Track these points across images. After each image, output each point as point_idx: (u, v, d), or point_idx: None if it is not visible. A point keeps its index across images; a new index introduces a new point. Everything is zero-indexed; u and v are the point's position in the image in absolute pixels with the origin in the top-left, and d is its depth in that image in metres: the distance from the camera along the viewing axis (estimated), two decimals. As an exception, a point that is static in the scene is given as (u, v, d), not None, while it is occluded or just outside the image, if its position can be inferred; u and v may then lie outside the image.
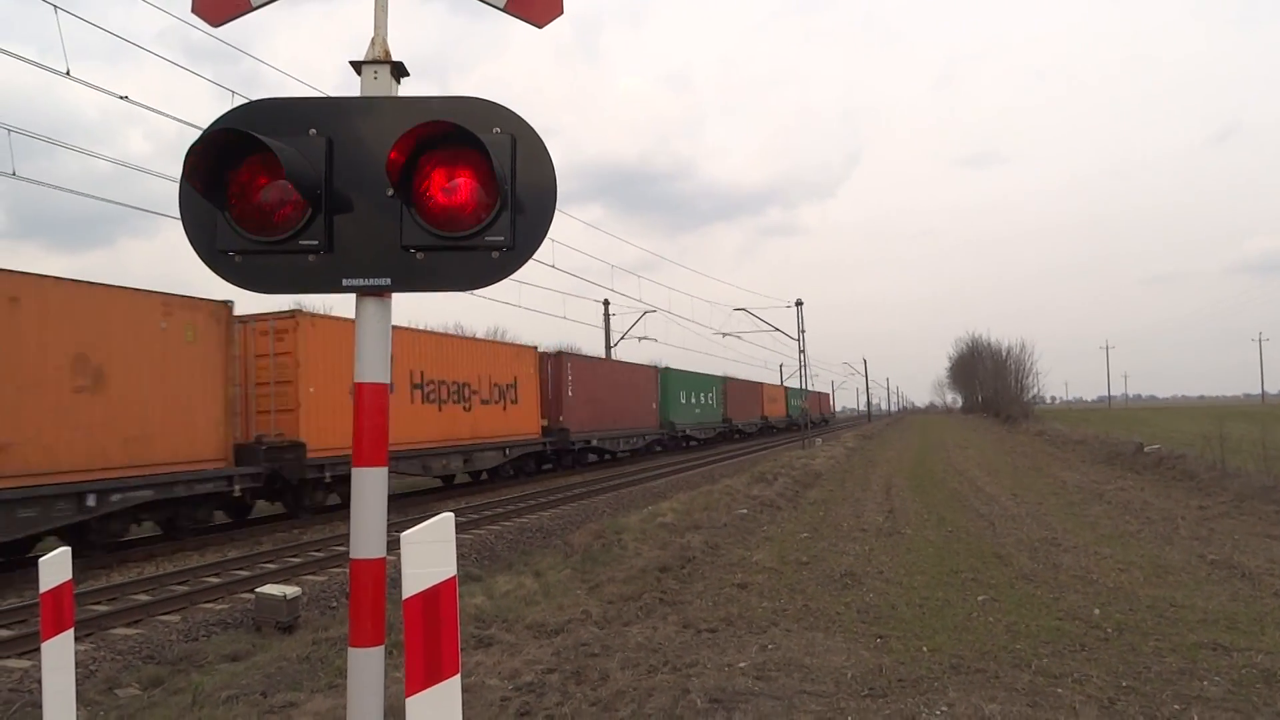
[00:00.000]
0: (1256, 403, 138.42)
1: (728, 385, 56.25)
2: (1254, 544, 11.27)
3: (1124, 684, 5.72)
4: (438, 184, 3.30)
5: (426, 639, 2.43)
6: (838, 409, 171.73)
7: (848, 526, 13.90)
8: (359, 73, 3.48)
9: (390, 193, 3.24)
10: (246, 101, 3.52)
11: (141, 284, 15.94)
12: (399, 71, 3.51)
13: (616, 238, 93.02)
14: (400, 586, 2.65)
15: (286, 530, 17.85)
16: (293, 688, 6.35)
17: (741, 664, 6.19)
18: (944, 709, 5.11)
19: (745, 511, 15.79)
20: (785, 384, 75.51)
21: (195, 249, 3.40)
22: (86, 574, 13.01)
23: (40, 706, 7.48)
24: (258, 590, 10.17)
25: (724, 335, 56.13)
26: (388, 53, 3.51)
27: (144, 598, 11.35)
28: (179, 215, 3.40)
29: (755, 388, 66.22)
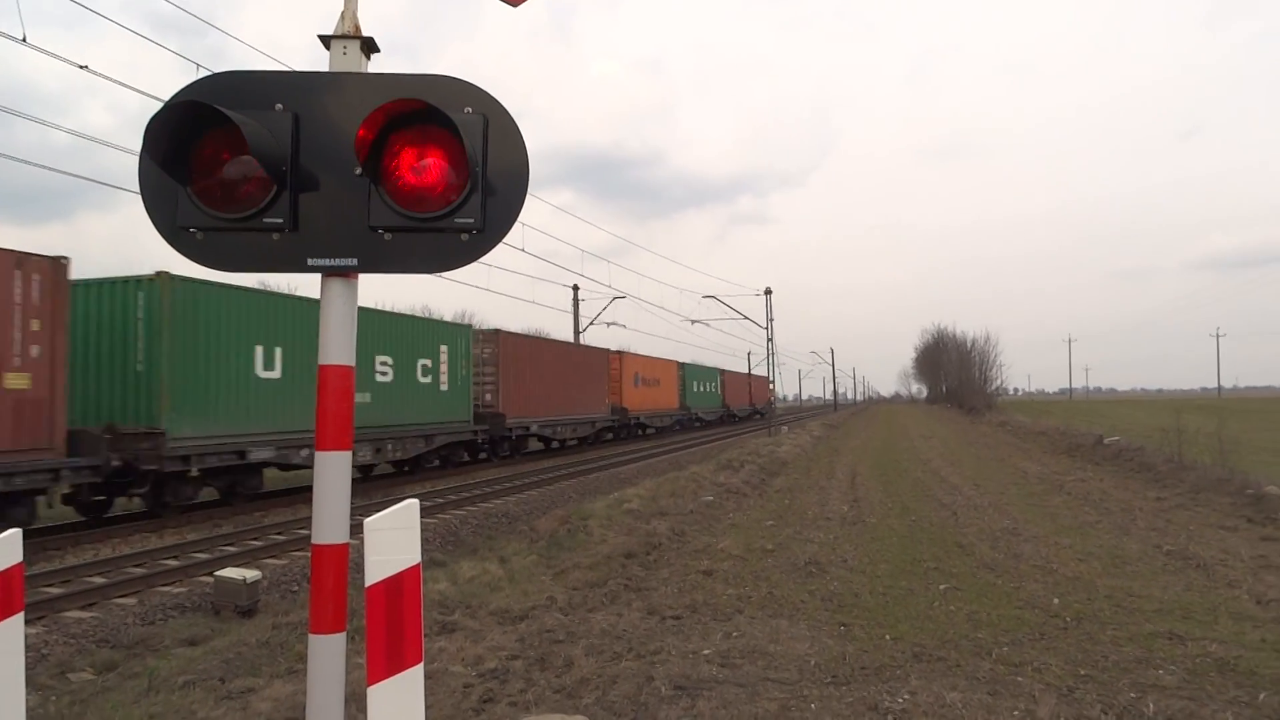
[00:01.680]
0: (1213, 396, 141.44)
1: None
2: (1208, 535, 11.49)
3: (1082, 672, 5.81)
4: (407, 163, 3.23)
5: (389, 627, 2.39)
6: (804, 397, 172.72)
7: (813, 515, 13.99)
8: (328, 47, 3.40)
9: (358, 171, 3.17)
10: (210, 74, 3.42)
11: (102, 260, 15.18)
12: (369, 47, 3.43)
13: (587, 222, 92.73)
14: (363, 572, 2.60)
15: (248, 513, 17.62)
16: (251, 673, 6.26)
17: (706, 651, 6.20)
18: (906, 696, 5.16)
19: (711, 498, 15.84)
20: (684, 363, 54.61)
21: (155, 225, 3.30)
22: (40, 555, 12.75)
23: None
24: (217, 574, 10.04)
25: (693, 322, 56.27)
26: (358, 28, 3.42)
27: (100, 580, 11.15)
28: (138, 190, 3.30)
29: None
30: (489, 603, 7.86)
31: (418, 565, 2.43)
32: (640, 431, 46.55)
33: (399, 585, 2.39)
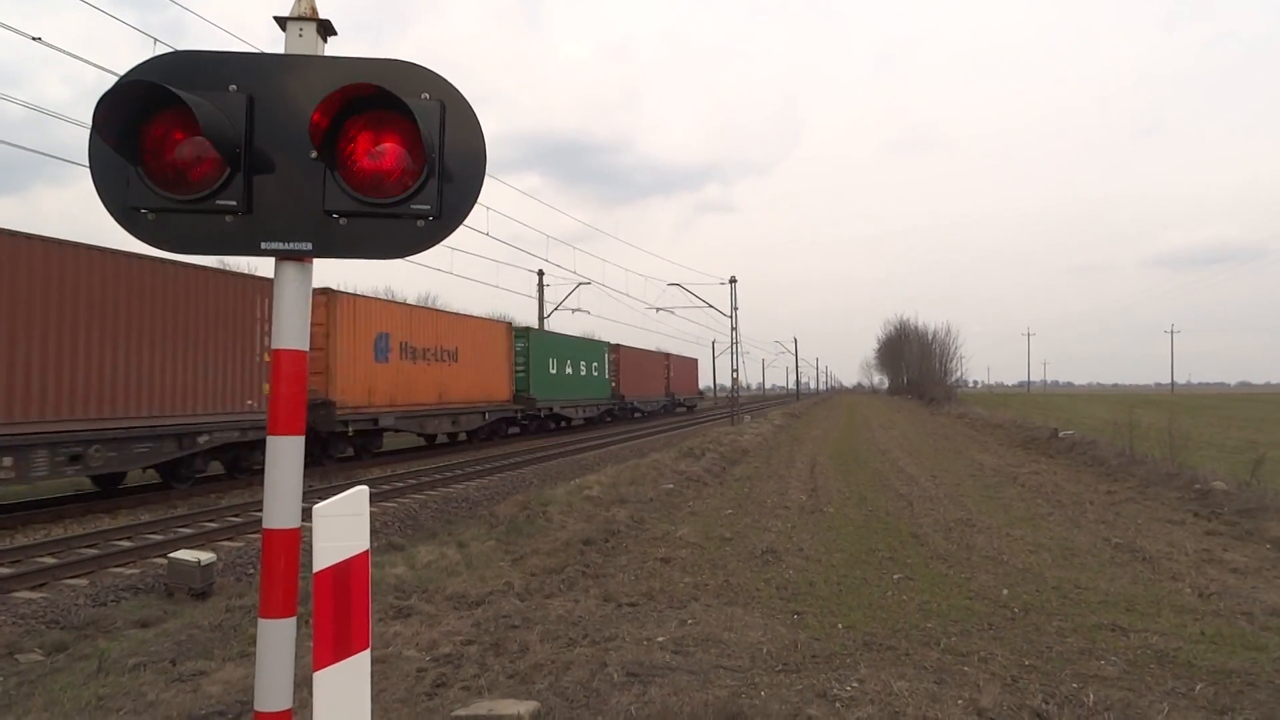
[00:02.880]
0: (1167, 392, 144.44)
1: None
2: (1156, 529, 11.77)
3: (1026, 663, 5.95)
4: (363, 148, 3.21)
5: (336, 613, 2.40)
6: (768, 386, 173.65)
7: (771, 504, 14.12)
8: (284, 29, 3.36)
9: (314, 155, 3.14)
10: (163, 53, 3.37)
11: (58, 234, 14.12)
12: (326, 30, 3.39)
13: (553, 208, 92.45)
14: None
15: (204, 495, 17.41)
16: (203, 656, 6.22)
17: (660, 638, 6.26)
18: (854, 684, 5.25)
19: (671, 486, 15.92)
20: (527, 328, 38.40)
21: (105, 205, 3.26)
22: (-11, 535, 12.53)
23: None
24: (171, 555, 9.93)
25: (658, 310, 56.27)
26: (314, 9, 3.39)
27: (50, 560, 10.98)
28: (90, 169, 3.26)
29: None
30: (446, 588, 7.86)
31: (366, 552, 2.44)
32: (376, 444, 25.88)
33: (347, 571, 2.40)
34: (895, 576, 8.79)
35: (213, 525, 13.76)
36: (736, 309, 49.00)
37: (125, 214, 3.22)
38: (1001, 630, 6.82)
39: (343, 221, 3.21)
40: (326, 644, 2.38)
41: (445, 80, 3.29)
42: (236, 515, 14.76)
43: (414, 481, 19.34)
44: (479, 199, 3.40)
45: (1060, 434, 27.01)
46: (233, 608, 7.61)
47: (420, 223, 3.24)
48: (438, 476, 20.45)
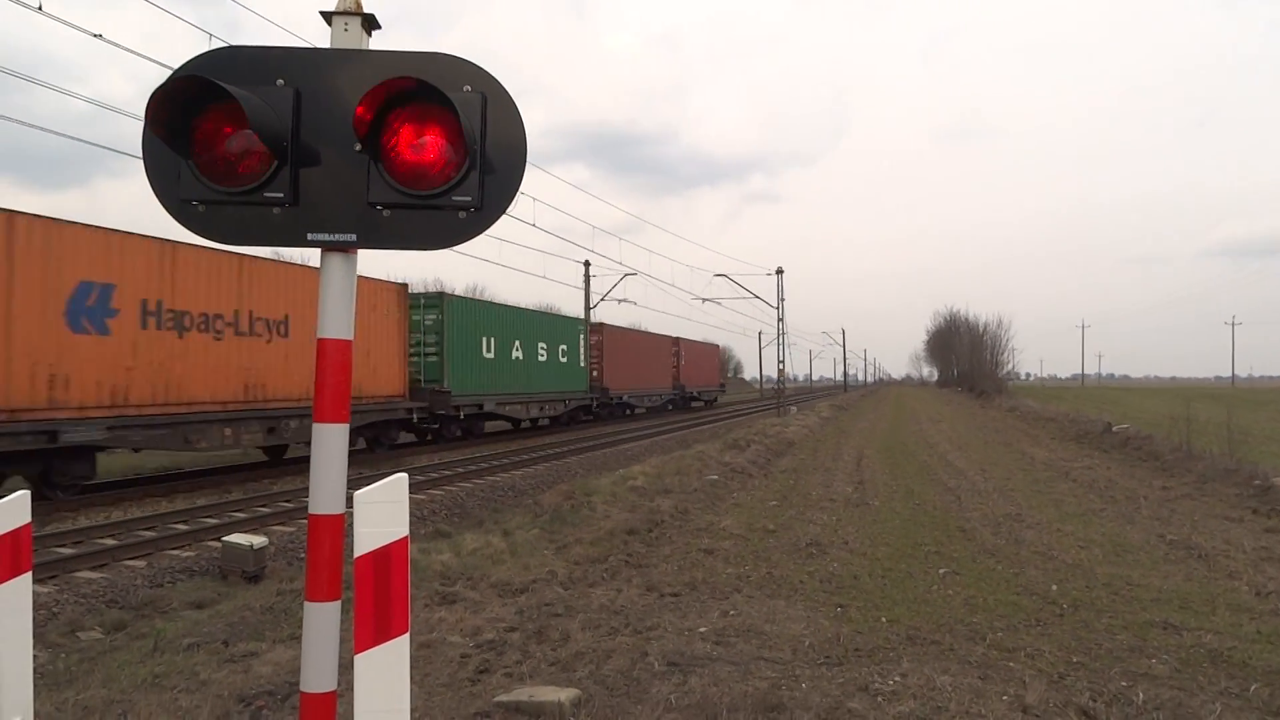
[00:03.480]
0: (1226, 385, 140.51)
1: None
2: (1212, 525, 11.48)
3: (1074, 659, 5.85)
4: (406, 141, 3.25)
5: (377, 597, 2.45)
6: (815, 378, 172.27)
7: (816, 496, 14.04)
8: (329, 23, 3.41)
9: (358, 148, 3.19)
10: (213, 48, 3.45)
11: (117, 225, 14.52)
12: (370, 24, 3.44)
13: (599, 199, 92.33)
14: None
15: (257, 480, 17.82)
16: (255, 637, 6.38)
17: (702, 629, 6.27)
18: (897, 679, 5.21)
19: (716, 477, 15.91)
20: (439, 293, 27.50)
21: (158, 197, 3.34)
22: (52, 517, 12.95)
23: (1, 648, 7.48)
24: (224, 539, 10.18)
25: (704, 301, 56.05)
26: (359, 3, 3.44)
27: (110, 542, 11.33)
28: (143, 163, 3.34)
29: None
30: (490, 575, 7.95)
31: (405, 538, 2.49)
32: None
33: (387, 556, 2.44)
34: (941, 571, 8.70)
35: (265, 510, 14.08)
36: (783, 300, 48.72)
37: (177, 206, 3.31)
38: (1049, 626, 6.71)
39: (386, 213, 3.26)
40: (367, 627, 2.43)
41: (487, 72, 3.32)
42: (288, 501, 15.07)
43: (461, 470, 19.57)
44: (520, 190, 3.43)
45: (1114, 428, 26.43)
46: (283, 591, 7.79)
47: (462, 214, 3.28)
48: (484, 465, 20.68)
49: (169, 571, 10.16)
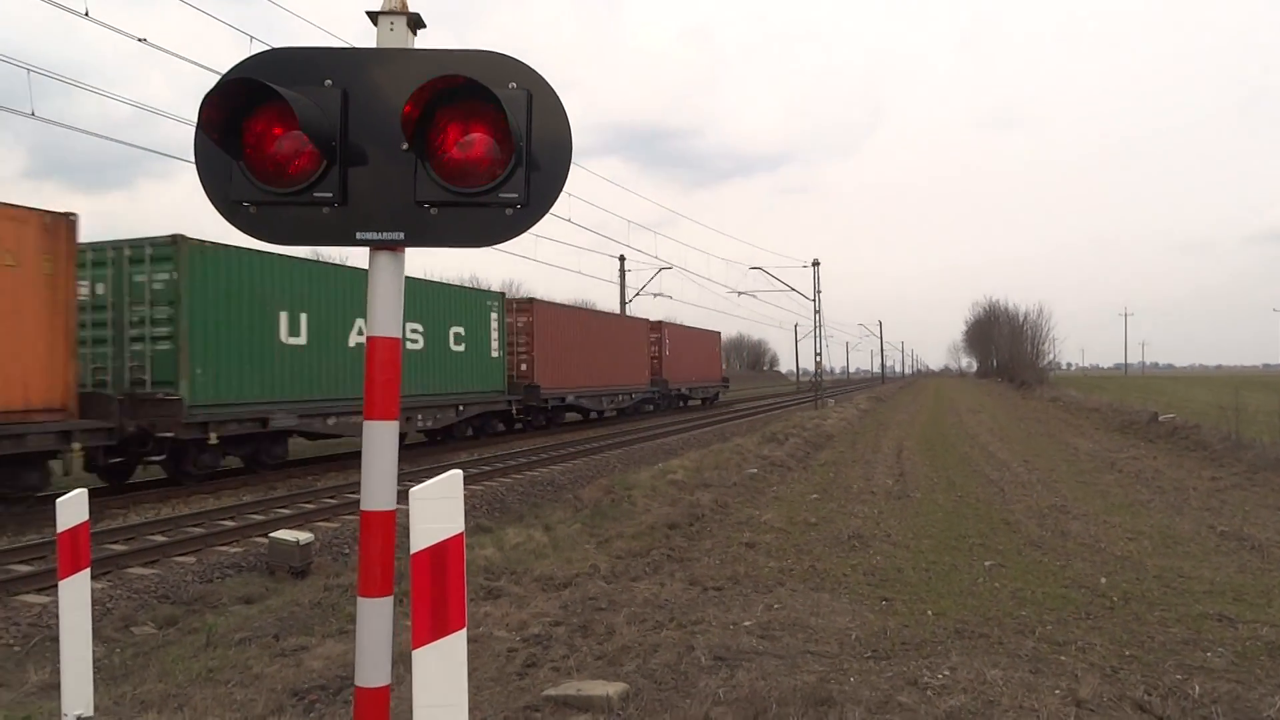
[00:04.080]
0: (1276, 373, 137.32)
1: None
2: (1264, 516, 11.24)
3: (1127, 653, 5.76)
4: (452, 139, 3.27)
5: (434, 593, 2.47)
6: (852, 370, 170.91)
7: (857, 489, 13.94)
8: (375, 23, 3.43)
9: (405, 146, 3.21)
10: (262, 50, 3.48)
11: (161, 228, 14.87)
12: (416, 23, 3.45)
13: (633, 193, 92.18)
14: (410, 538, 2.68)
15: (301, 477, 18.07)
16: (304, 632, 6.47)
17: (747, 623, 6.26)
18: (946, 673, 5.16)
19: (755, 471, 15.86)
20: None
21: (210, 198, 3.39)
22: (104, 514, 13.22)
23: (58, 641, 7.67)
24: (271, 535, 10.34)
25: (739, 294, 55.81)
26: (404, 3, 3.45)
27: (160, 538, 11.54)
28: (195, 166, 3.39)
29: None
30: (533, 569, 8.00)
31: (461, 534, 2.50)
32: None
33: (443, 552, 2.46)
34: (987, 563, 8.60)
35: (310, 506, 14.26)
36: (820, 292, 48.40)
37: (228, 207, 3.35)
38: (1100, 619, 6.61)
39: (433, 211, 3.28)
40: (424, 623, 2.45)
41: (532, 69, 3.32)
42: (331, 497, 15.26)
43: (500, 466, 19.69)
44: (565, 186, 3.43)
45: (1160, 418, 25.95)
46: (330, 586, 7.89)
47: (508, 211, 3.29)
48: (523, 460, 20.79)
49: (218, 567, 10.33)
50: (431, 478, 2.75)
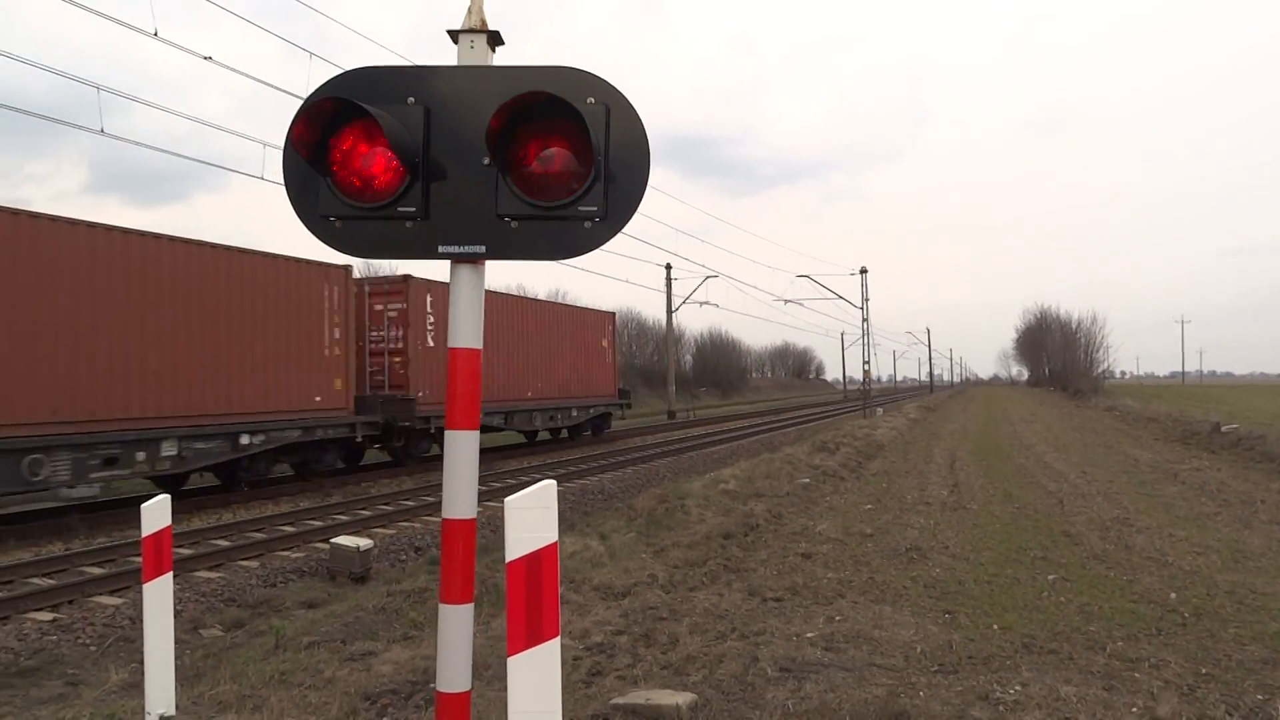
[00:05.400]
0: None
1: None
2: (1339, 532, 10.89)
3: (1203, 671, 5.62)
4: (533, 153, 3.33)
5: (528, 602, 2.51)
6: (899, 378, 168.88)
7: (911, 499, 13.79)
8: (455, 41, 3.50)
9: (486, 161, 3.28)
10: (347, 70, 3.56)
11: (214, 239, 15.55)
12: (495, 40, 3.52)
13: (679, 200, 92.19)
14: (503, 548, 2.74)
15: (355, 484, 18.36)
16: (370, 637, 6.57)
17: (809, 634, 6.23)
18: (1017, 688, 5.09)
19: (807, 481, 15.76)
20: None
21: (298, 214, 3.47)
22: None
23: (131, 641, 7.89)
24: (332, 541, 10.52)
25: (786, 302, 55.56)
26: (484, 21, 3.52)
27: (224, 543, 11.81)
28: (283, 181, 3.47)
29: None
30: (592, 578, 8.03)
31: (555, 544, 2.54)
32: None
33: (538, 562, 2.50)
34: (1050, 577, 8.45)
35: (366, 513, 14.49)
36: (868, 300, 48.03)
37: (316, 222, 3.44)
38: (1172, 636, 6.46)
39: (514, 225, 3.33)
40: (519, 631, 2.49)
41: (609, 84, 3.36)
42: (387, 504, 15.49)
43: (550, 474, 19.81)
44: (643, 199, 3.46)
45: (1223, 428, 25.28)
46: (393, 592, 8.01)
47: (588, 224, 3.33)
48: (572, 469, 20.89)
49: (280, 572, 10.54)
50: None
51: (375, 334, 20.83)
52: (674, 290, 50.31)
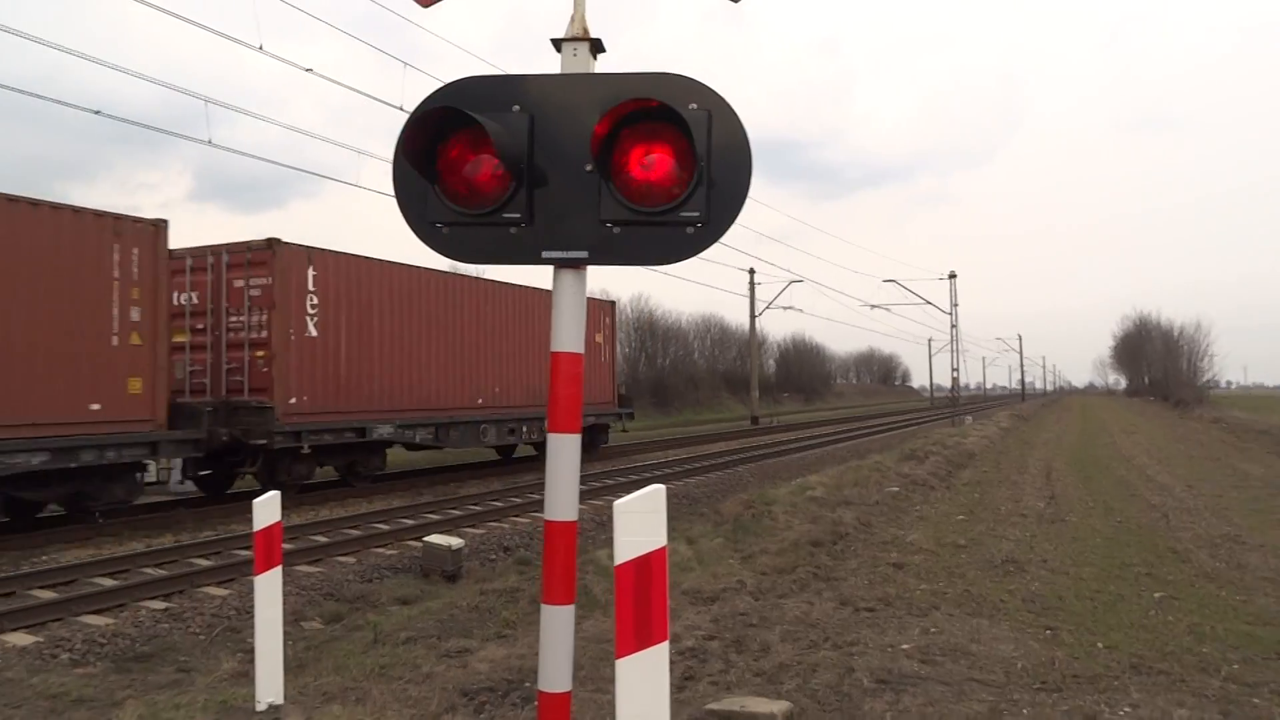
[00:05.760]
0: None
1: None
2: None
3: (1329, 699, 5.32)
4: (635, 159, 3.35)
5: (637, 605, 2.53)
6: (988, 386, 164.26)
7: (1006, 510, 13.40)
8: (558, 50, 3.55)
9: (589, 167, 3.31)
10: (454, 80, 3.63)
11: (306, 243, 15.80)
12: (597, 48, 3.56)
13: (763, 204, 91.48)
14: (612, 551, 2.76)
15: (445, 484, 18.76)
16: (464, 634, 6.70)
17: (904, 646, 6.11)
18: (1127, 710, 4.89)
19: (896, 489, 15.47)
20: None
21: (407, 220, 3.56)
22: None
23: (237, 632, 8.20)
24: (426, 539, 10.76)
25: (872, 307, 54.69)
26: (586, 30, 3.56)
27: (322, 539, 12.19)
28: (394, 190, 3.57)
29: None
30: (681, 583, 8.03)
31: (664, 548, 2.55)
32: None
33: (647, 565, 2.52)
34: (1156, 595, 8.11)
35: (456, 513, 14.78)
36: (956, 305, 46.91)
37: (424, 228, 3.52)
38: (1293, 661, 6.12)
39: (616, 230, 3.36)
40: (628, 633, 2.51)
41: (712, 90, 3.36)
42: (476, 504, 15.77)
43: (635, 478, 19.90)
44: (744, 205, 3.45)
45: (1344, 443, 23.87)
46: (486, 591, 8.14)
47: (689, 229, 3.34)
48: (657, 473, 20.94)
49: (375, 568, 10.83)
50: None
51: (236, 319, 15.71)
52: (757, 295, 50.01)
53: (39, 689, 5.33)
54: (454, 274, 20.46)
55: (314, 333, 16.03)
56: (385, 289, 17.67)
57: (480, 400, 19.99)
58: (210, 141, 16.46)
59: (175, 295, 15.70)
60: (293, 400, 15.41)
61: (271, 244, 15.52)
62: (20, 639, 7.72)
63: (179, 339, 15.73)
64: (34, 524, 13.06)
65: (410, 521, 13.81)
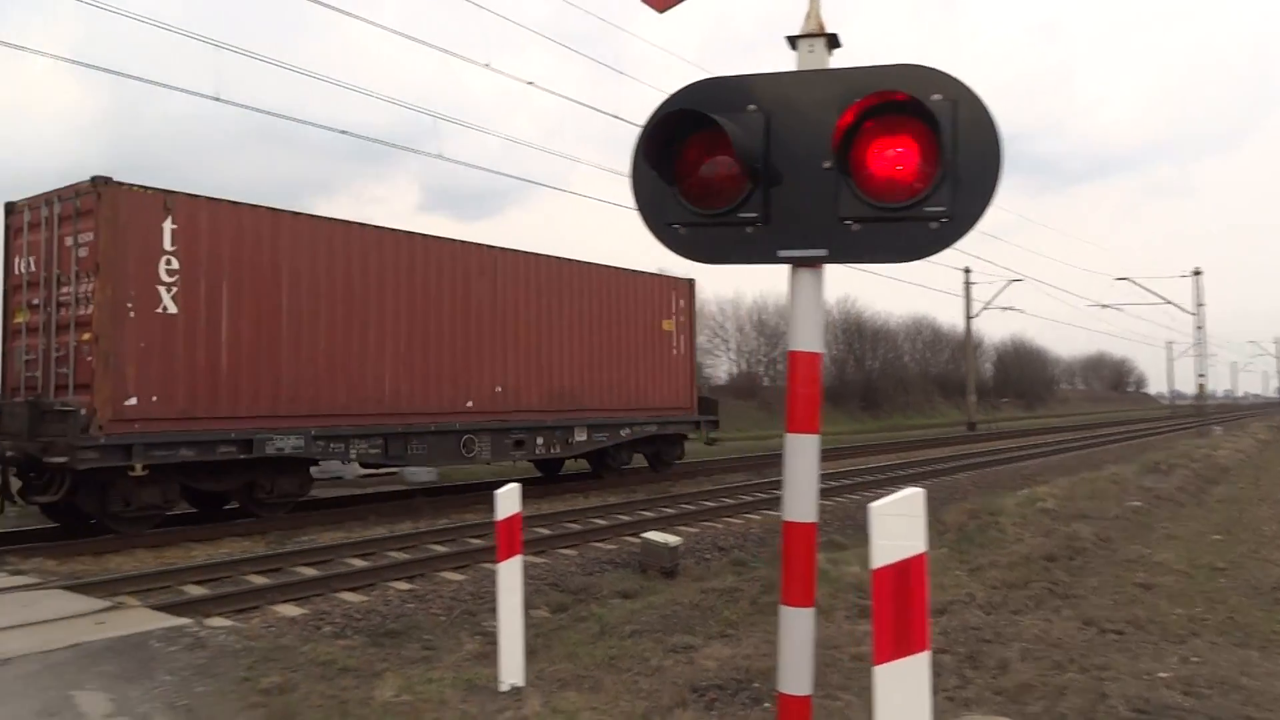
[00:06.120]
0: None
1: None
2: None
3: None
4: (876, 154, 3.27)
5: (896, 611, 2.46)
6: (1240, 393, 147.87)
7: (1270, 532, 12.01)
8: (794, 47, 3.52)
9: (826, 164, 3.27)
10: (691, 82, 3.68)
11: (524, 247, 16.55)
12: (833, 43, 3.50)
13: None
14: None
15: (657, 482, 19.15)
16: (687, 631, 6.78)
17: (1162, 674, 5.60)
18: None
19: (1139, 504, 14.24)
20: None
21: (646, 222, 3.64)
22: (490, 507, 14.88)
23: (473, 615, 8.71)
24: (644, 536, 11.02)
25: (1103, 307, 50.56)
26: (821, 25, 3.52)
27: (545, 531, 12.76)
28: (632, 192, 3.66)
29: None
30: (904, 592, 7.77)
31: (924, 554, 2.47)
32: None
33: (905, 571, 2.45)
34: None
35: (670, 511, 15.03)
36: (1202, 305, 42.64)
37: (662, 230, 3.60)
38: None
39: (855, 227, 3.29)
40: (886, 639, 2.45)
41: (957, 79, 3.23)
42: (688, 503, 15.98)
43: (847, 482, 19.47)
44: (994, 199, 3.27)
45: None
46: (706, 590, 8.20)
47: (933, 225, 3.22)
48: (870, 478, 20.41)
49: (596, 562, 11.20)
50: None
51: (65, 291, 11.75)
52: (973, 295, 47.57)
53: (310, 656, 5.88)
54: (428, 236, 15.39)
55: (171, 308, 11.72)
56: (306, 253, 13.09)
57: (470, 403, 15.72)
58: (440, 155, 17.64)
59: (15, 261, 12.44)
60: (131, 401, 11.22)
61: (96, 185, 11.23)
62: (290, 610, 8.60)
63: (18, 319, 12.36)
64: None
65: (626, 518, 14.20)
